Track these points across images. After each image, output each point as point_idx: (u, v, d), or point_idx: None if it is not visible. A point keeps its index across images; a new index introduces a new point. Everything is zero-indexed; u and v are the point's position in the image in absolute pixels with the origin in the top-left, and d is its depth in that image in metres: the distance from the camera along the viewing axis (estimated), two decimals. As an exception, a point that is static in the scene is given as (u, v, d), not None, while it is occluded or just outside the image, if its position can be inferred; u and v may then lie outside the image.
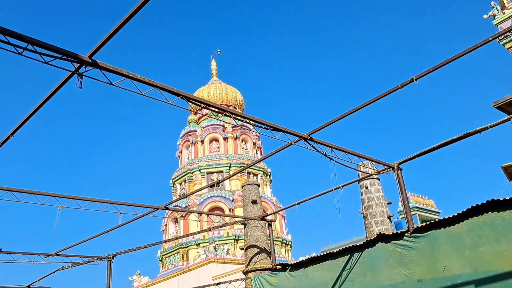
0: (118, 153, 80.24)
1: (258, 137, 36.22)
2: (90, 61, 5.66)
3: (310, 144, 8.29)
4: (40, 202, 9.33)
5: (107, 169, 78.76)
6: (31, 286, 17.06)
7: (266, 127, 7.58)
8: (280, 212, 31.47)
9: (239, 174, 30.97)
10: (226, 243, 28.69)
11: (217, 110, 7.55)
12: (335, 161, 8.75)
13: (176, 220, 31.83)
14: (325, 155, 8.54)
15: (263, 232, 13.53)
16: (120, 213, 10.72)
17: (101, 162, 79.33)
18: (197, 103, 7.13)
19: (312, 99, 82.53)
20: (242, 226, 17.53)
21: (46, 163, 76.41)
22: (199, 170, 32.58)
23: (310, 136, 8.29)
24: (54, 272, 15.29)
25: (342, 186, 10.50)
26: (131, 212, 11.01)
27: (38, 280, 16.33)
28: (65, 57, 5.53)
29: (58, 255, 13.35)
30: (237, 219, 14.53)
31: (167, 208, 12.17)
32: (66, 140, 78.37)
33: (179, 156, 36.18)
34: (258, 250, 13.09)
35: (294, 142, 8.17)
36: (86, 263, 14.37)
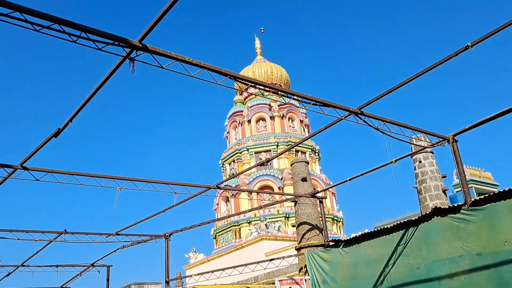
0: (170, 135, 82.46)
1: (305, 114, 35.93)
2: (140, 45, 5.79)
3: (361, 119, 8.13)
4: (100, 185, 9.77)
5: (160, 151, 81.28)
6: (94, 264, 18.07)
7: (314, 103, 7.49)
8: (330, 189, 31.34)
9: (287, 153, 30.98)
10: (277, 221, 28.99)
11: (264, 88, 7.55)
12: (388, 134, 8.55)
13: (227, 199, 32.45)
14: (377, 129, 8.36)
15: (314, 209, 13.54)
16: (175, 193, 11.03)
17: (154, 145, 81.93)
18: (244, 82, 7.16)
19: (360, 74, 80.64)
20: (293, 204, 17.55)
21: (103, 147, 79.87)
22: (247, 150, 32.88)
23: (361, 110, 8.12)
24: (115, 251, 16.08)
25: (396, 161, 10.28)
26: (185, 191, 11.32)
27: (101, 258, 17.26)
28: (116, 43, 5.69)
29: (118, 234, 14.00)
30: (287, 197, 14.61)
31: (218, 187, 12.42)
32: (121, 125, 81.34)
33: (227, 137, 36.63)
34: (310, 227, 13.13)
35: (344, 117, 8.04)
36: (144, 241, 15.00)
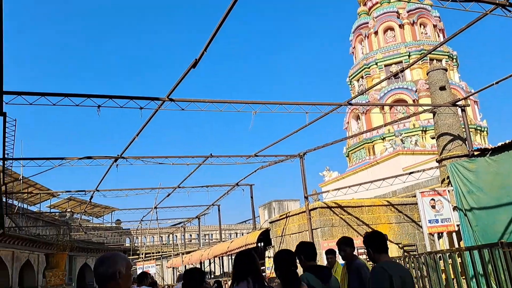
0: (298, 57, 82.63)
1: (439, 18, 32.63)
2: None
3: (510, 11, 7.13)
4: (237, 110, 10.37)
5: (290, 74, 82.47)
6: (239, 183, 19.68)
7: (453, -1, 6.75)
8: (472, 97, 28.79)
9: (420, 62, 28.89)
10: (414, 135, 27.88)
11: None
12: (544, 26, 7.40)
13: (357, 117, 31.96)
14: (531, 20, 7.27)
15: (455, 119, 12.70)
16: (306, 112, 11.21)
17: (284, 67, 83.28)
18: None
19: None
20: (430, 116, 16.62)
21: (237, 74, 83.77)
22: (376, 64, 31.40)
23: (509, 1, 7.10)
24: (255, 171, 17.25)
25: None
26: (315, 111, 11.44)
27: (244, 178, 18.72)
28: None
29: (257, 155, 14.92)
30: (425, 108, 13.83)
31: (350, 104, 12.29)
32: (250, 51, 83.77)
33: (353, 53, 35.26)
34: (451, 137, 12.42)
35: (490, 11, 7.12)
36: (281, 161, 15.77)
